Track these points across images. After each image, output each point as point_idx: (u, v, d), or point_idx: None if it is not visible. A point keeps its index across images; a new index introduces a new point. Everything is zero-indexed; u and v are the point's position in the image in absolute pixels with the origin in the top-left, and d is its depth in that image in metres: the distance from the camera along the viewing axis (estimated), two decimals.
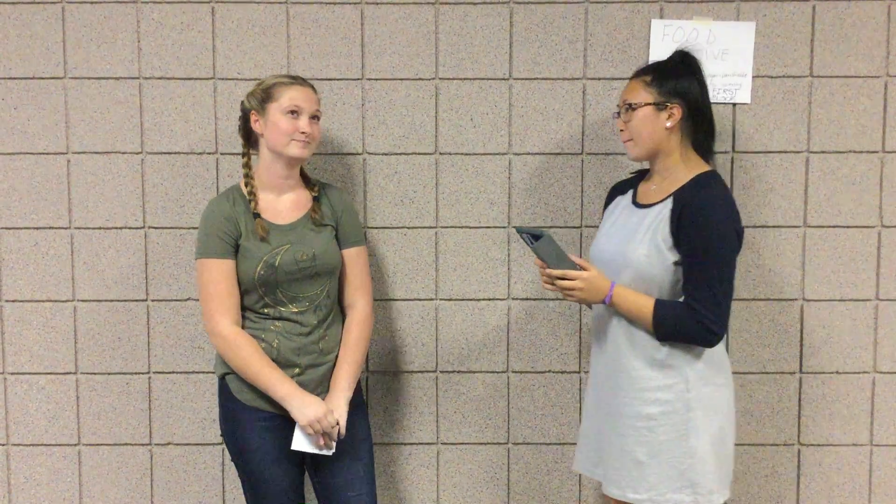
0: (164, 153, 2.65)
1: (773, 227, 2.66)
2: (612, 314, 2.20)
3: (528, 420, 2.72)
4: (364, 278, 2.39)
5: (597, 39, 2.62)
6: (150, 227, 2.66)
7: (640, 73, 2.23)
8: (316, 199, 2.34)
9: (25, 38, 2.62)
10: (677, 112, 2.16)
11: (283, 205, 2.31)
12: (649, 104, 2.16)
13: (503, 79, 2.64)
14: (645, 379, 2.14)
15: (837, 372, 2.69)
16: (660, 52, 2.55)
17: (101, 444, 2.71)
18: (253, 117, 2.29)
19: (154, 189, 2.65)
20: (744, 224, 2.63)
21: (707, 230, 2.06)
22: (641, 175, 2.36)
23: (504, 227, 2.67)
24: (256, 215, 2.26)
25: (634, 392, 2.15)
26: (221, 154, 2.64)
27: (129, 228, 2.66)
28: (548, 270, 2.15)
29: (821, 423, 2.70)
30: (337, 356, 2.32)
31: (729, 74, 2.61)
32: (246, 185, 2.31)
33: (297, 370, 2.26)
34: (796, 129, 2.64)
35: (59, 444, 2.71)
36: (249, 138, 2.35)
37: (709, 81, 2.25)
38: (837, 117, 2.64)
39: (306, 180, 2.38)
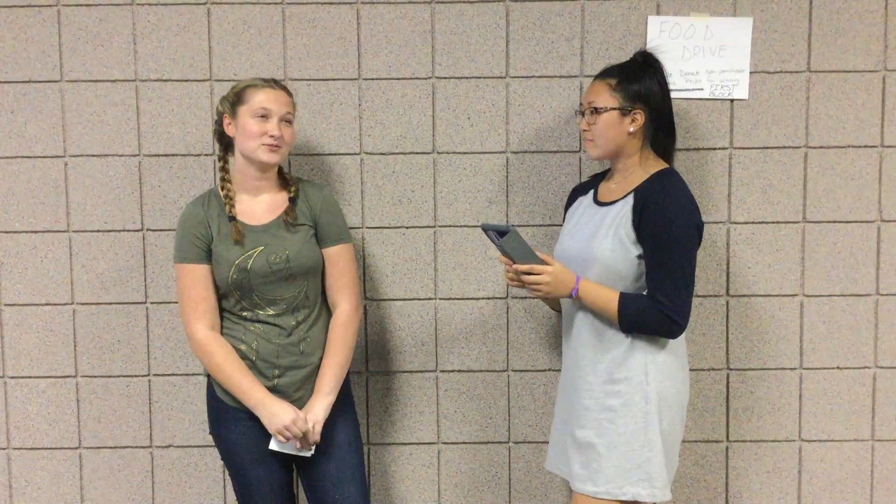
0: (162, 155, 2.64)
1: (773, 222, 2.65)
2: (578, 308, 2.24)
3: (530, 419, 2.71)
4: (346, 278, 2.33)
5: (593, 37, 2.62)
6: (147, 230, 2.66)
7: (604, 75, 2.26)
8: (292, 200, 2.30)
9: (21, 41, 2.61)
10: (640, 117, 2.21)
11: (259, 206, 2.29)
12: (614, 109, 2.20)
13: (500, 77, 2.64)
14: (607, 371, 2.18)
15: (838, 367, 2.69)
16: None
17: (102, 447, 2.71)
18: (225, 121, 2.28)
19: (152, 191, 2.65)
20: (743, 220, 2.65)
21: (668, 225, 2.11)
22: (600, 176, 2.41)
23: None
24: (232, 218, 2.25)
25: (597, 385, 2.19)
26: (219, 156, 2.64)
27: (127, 231, 2.66)
28: (514, 266, 2.17)
29: (822, 419, 2.70)
30: (321, 358, 2.30)
31: (726, 70, 2.61)
32: (222, 189, 2.29)
33: (276, 372, 2.26)
34: (794, 124, 2.63)
35: (60, 448, 2.71)
36: (224, 142, 2.34)
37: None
38: (835, 112, 2.63)
39: (285, 181, 2.35)
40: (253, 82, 2.26)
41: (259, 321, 2.26)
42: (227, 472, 2.71)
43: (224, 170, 2.31)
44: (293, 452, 2.25)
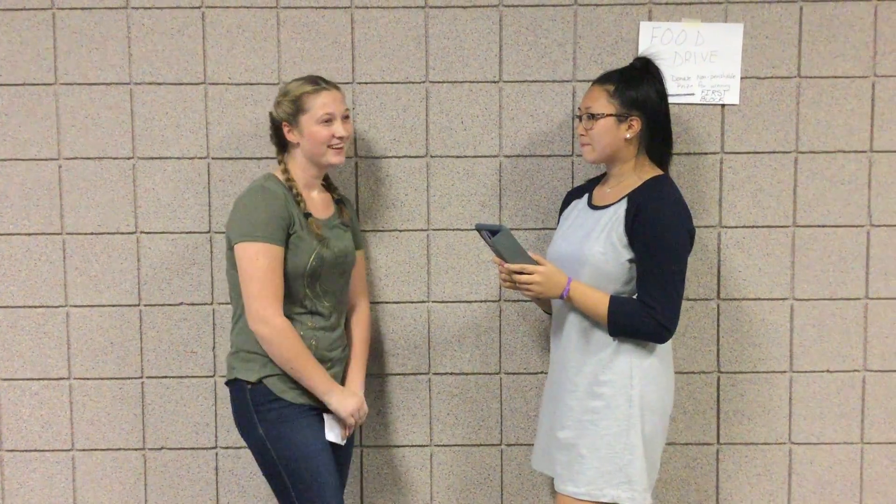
0: (156, 158, 2.65)
1: (763, 227, 2.67)
2: (569, 310, 2.26)
3: (521, 421, 2.72)
4: (365, 281, 2.56)
5: (586, 42, 2.64)
6: (141, 232, 2.66)
7: (602, 81, 2.27)
8: (340, 201, 2.44)
9: (16, 44, 2.62)
10: (636, 124, 2.22)
11: (317, 202, 2.37)
12: (611, 115, 2.21)
13: (493, 81, 2.65)
14: (592, 374, 2.20)
15: (828, 370, 2.71)
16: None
17: (95, 449, 2.71)
18: (285, 128, 2.31)
19: (146, 194, 2.66)
20: (734, 224, 2.67)
21: (660, 230, 2.13)
22: (596, 180, 2.42)
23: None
24: (308, 215, 2.28)
25: (582, 386, 2.21)
26: (213, 159, 2.65)
27: (121, 233, 2.66)
28: (506, 265, 2.18)
29: (812, 422, 2.72)
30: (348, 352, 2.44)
31: (717, 76, 2.63)
32: (290, 189, 2.29)
33: (329, 365, 2.33)
34: (785, 129, 2.65)
35: (53, 450, 2.71)
36: (282, 145, 2.36)
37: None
38: (826, 117, 2.65)
39: (328, 182, 2.48)
40: (306, 88, 2.29)
41: (316, 313, 2.31)
42: (219, 475, 2.71)
43: (287, 171, 2.33)
44: (340, 442, 2.33)
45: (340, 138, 2.29)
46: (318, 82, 2.31)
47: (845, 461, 2.73)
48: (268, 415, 2.26)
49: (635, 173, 2.26)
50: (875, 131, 2.66)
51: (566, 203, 2.47)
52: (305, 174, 2.35)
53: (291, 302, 2.27)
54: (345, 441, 2.35)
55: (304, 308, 2.29)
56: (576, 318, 2.24)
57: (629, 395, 2.16)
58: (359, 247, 2.50)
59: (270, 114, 2.36)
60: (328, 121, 2.27)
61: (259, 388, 2.26)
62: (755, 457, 2.73)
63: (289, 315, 2.25)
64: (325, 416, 2.31)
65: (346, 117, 2.33)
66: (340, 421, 2.32)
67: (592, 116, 2.23)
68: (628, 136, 2.23)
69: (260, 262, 2.18)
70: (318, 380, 2.25)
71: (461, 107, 2.65)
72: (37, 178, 2.65)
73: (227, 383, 2.34)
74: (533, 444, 2.70)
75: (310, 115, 2.27)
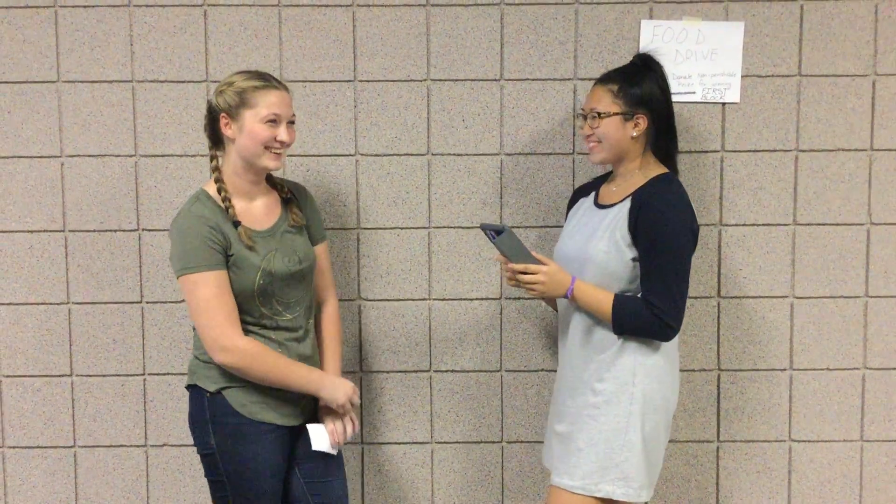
0: (158, 156, 2.66)
1: (763, 225, 2.68)
2: (574, 309, 2.27)
3: (522, 418, 2.73)
4: (330, 274, 2.41)
5: (587, 40, 2.64)
6: (143, 230, 2.67)
7: (605, 81, 2.27)
8: (288, 202, 2.28)
9: (18, 42, 2.62)
10: (643, 122, 2.22)
11: (258, 210, 2.21)
12: (617, 114, 2.21)
13: (494, 80, 2.66)
14: (596, 371, 2.20)
15: (828, 368, 2.71)
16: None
17: (97, 446, 2.72)
18: (223, 120, 2.15)
19: (148, 192, 2.66)
20: (734, 222, 2.67)
21: (663, 229, 2.13)
22: (602, 178, 2.42)
23: None
24: (237, 224, 2.14)
25: (584, 382, 2.21)
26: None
27: (123, 231, 2.67)
28: (509, 265, 2.19)
29: (812, 420, 2.72)
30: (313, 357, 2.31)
31: (718, 74, 2.63)
32: (219, 192, 2.16)
33: None
34: (785, 127, 2.66)
35: (55, 447, 2.72)
36: (216, 139, 2.22)
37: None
38: (826, 116, 2.66)
39: (270, 180, 2.30)
40: (254, 82, 2.14)
41: (277, 328, 2.20)
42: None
43: (218, 169, 2.20)
44: (329, 451, 2.25)
45: (282, 143, 2.14)
46: (268, 79, 2.16)
47: (845, 459, 2.73)
48: (223, 427, 2.16)
49: (641, 172, 2.26)
50: (875, 130, 2.66)
51: (573, 201, 2.47)
52: (242, 180, 2.18)
53: (252, 321, 2.16)
54: (337, 450, 2.25)
55: (265, 324, 2.18)
56: (580, 316, 2.25)
57: (631, 392, 2.16)
58: (321, 239, 2.34)
59: (209, 102, 2.20)
60: (273, 121, 2.12)
61: (217, 399, 2.17)
62: (755, 454, 2.73)
63: (250, 331, 2.16)
64: (309, 426, 2.24)
65: (291, 122, 2.18)
66: (333, 418, 2.25)
67: (598, 115, 2.23)
68: (635, 133, 2.22)
69: (202, 293, 2.08)
70: (304, 379, 2.17)
71: (462, 105, 2.66)
72: (39, 176, 2.66)
73: (187, 387, 2.26)
74: (533, 442, 2.72)
75: (254, 111, 2.11)
